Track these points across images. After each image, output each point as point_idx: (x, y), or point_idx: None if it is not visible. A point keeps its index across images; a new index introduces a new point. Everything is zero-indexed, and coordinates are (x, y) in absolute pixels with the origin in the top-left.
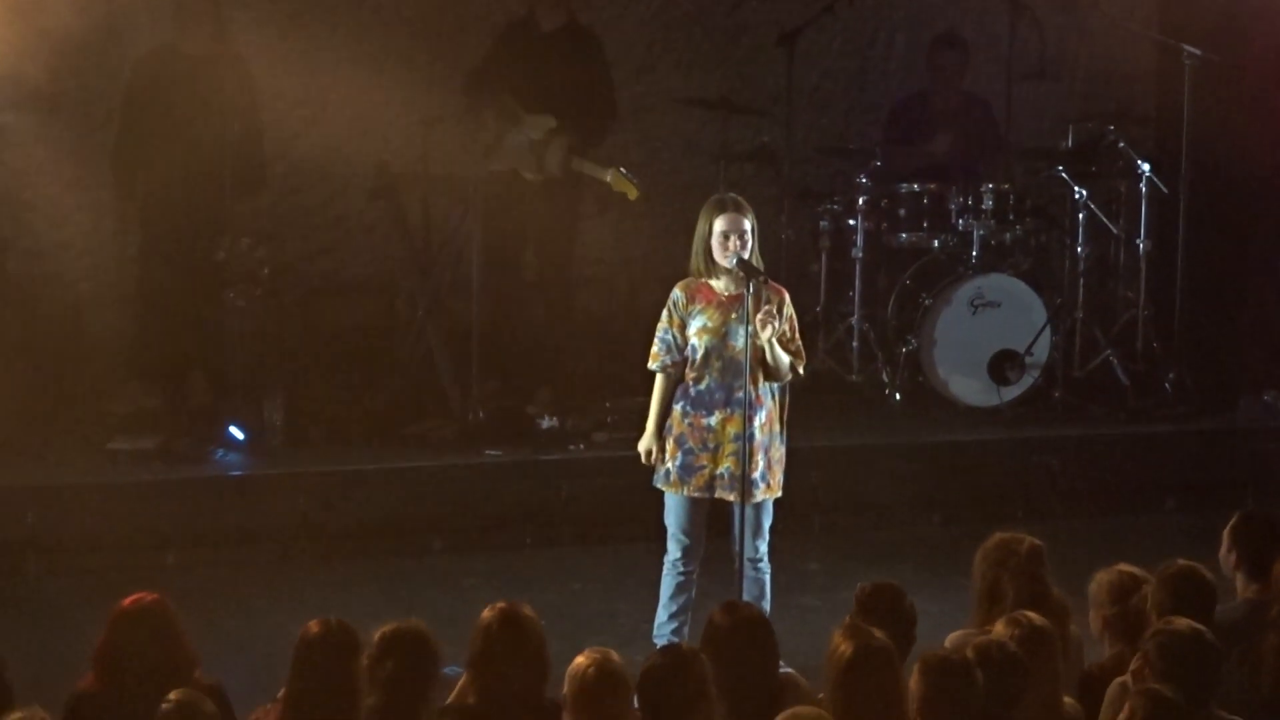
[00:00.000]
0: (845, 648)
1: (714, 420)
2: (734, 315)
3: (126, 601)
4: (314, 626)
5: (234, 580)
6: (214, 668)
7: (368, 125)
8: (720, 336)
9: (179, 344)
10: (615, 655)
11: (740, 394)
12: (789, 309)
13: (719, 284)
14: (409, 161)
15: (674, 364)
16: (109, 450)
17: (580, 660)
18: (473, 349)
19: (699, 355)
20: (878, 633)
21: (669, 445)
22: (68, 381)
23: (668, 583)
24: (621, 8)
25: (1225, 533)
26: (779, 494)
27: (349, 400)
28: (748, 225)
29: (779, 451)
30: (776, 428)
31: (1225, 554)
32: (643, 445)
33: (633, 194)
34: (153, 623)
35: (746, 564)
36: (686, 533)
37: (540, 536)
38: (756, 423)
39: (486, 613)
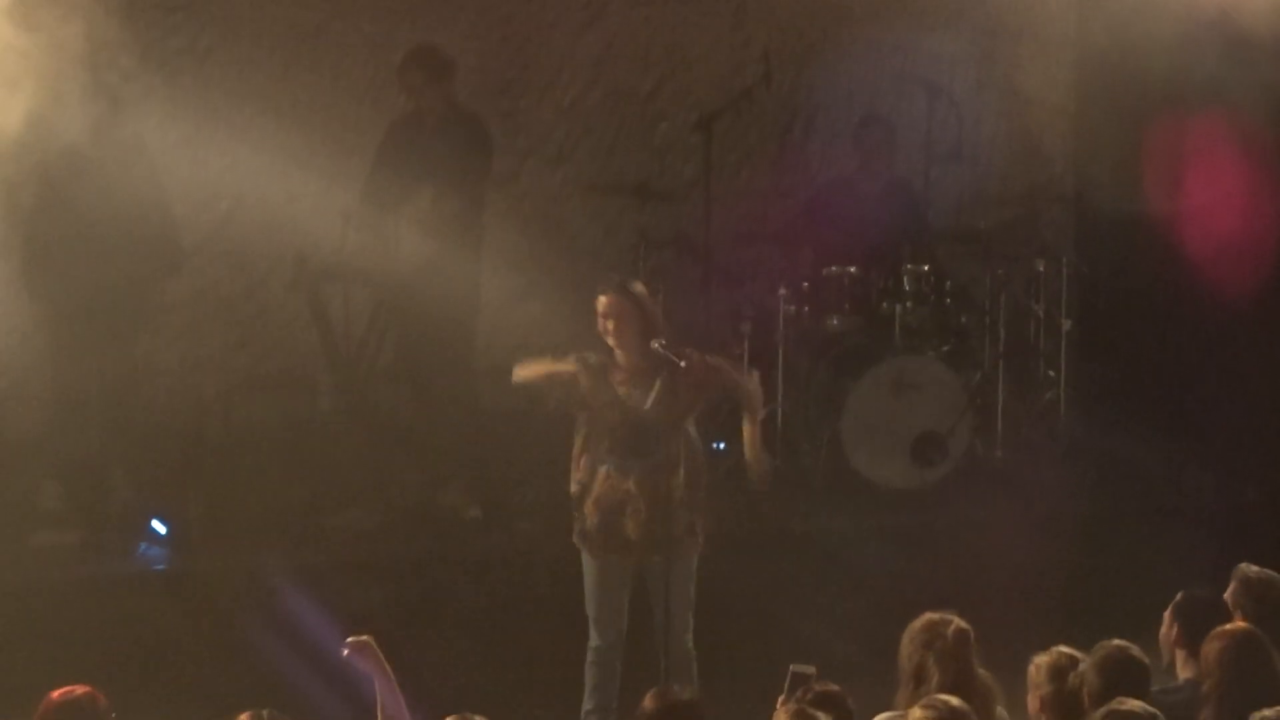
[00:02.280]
0: None
1: (631, 483)
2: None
3: (55, 694)
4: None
5: (161, 674)
6: None
7: (285, 218)
8: (619, 408)
9: (97, 440)
10: None
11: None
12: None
13: (620, 356)
14: (327, 254)
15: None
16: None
17: None
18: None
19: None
20: (823, 717)
21: (587, 506)
22: None
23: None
24: (537, 96)
25: (1167, 612)
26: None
27: (269, 493)
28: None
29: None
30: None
31: (1165, 632)
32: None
33: None
34: (82, 716)
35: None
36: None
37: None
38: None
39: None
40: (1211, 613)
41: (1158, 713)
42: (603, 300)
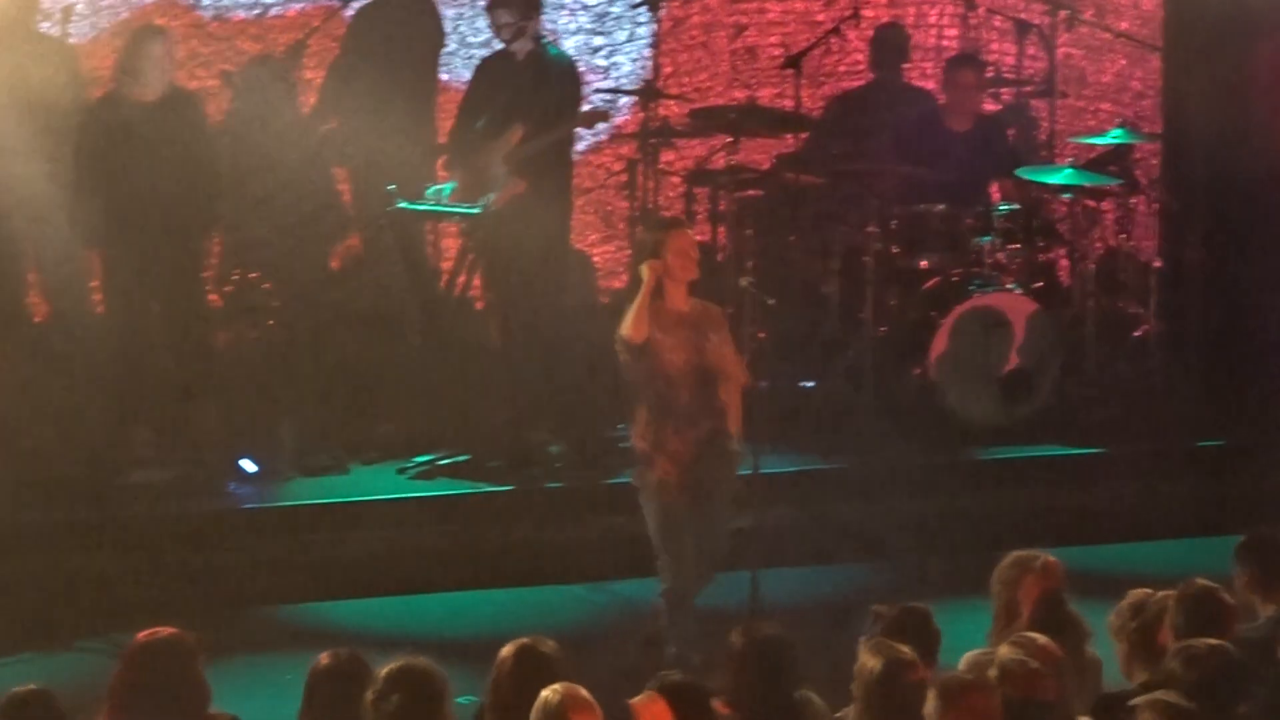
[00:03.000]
0: (873, 663)
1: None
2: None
3: (142, 635)
4: (324, 658)
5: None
6: (228, 704)
7: (376, 153)
8: (689, 351)
9: (179, 380)
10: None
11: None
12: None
13: (671, 300)
14: (416, 193)
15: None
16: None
17: (545, 694)
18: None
19: (674, 372)
20: (905, 648)
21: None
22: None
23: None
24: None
25: (1234, 554)
26: None
27: (362, 428)
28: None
29: None
30: None
31: (1238, 575)
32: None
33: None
34: (168, 657)
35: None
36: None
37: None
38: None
39: (505, 649)
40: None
41: (1228, 645)
42: (689, 235)
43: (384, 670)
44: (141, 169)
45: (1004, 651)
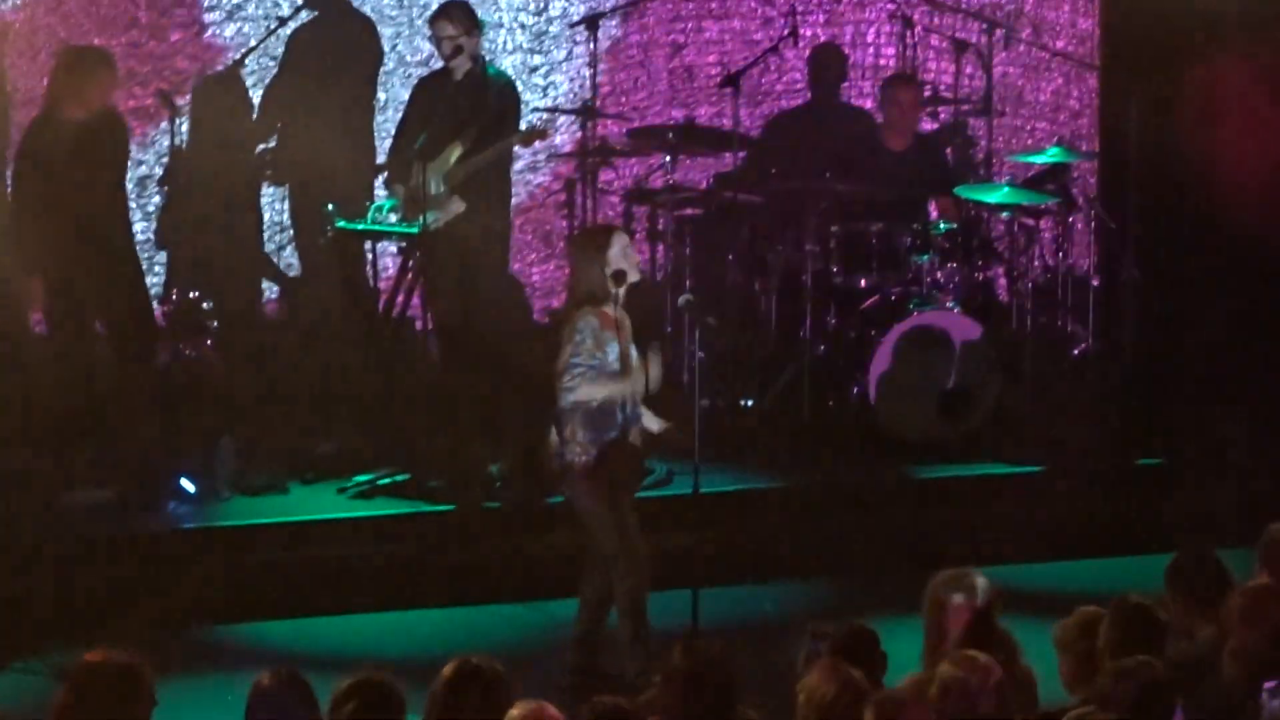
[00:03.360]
0: (827, 687)
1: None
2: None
3: (88, 656)
4: (265, 677)
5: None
6: None
7: (315, 175)
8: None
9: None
10: (551, 709)
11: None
12: None
13: (609, 309)
14: (356, 209)
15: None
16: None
17: (514, 713)
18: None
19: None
20: (857, 673)
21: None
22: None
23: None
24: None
25: (1165, 573)
26: None
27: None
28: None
29: None
30: None
31: (1170, 597)
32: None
33: (547, 134)
34: (115, 679)
35: None
36: None
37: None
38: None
39: (446, 668)
40: (1210, 571)
41: (1156, 663)
42: (627, 238)
43: (342, 685)
44: (79, 189)
45: (944, 669)
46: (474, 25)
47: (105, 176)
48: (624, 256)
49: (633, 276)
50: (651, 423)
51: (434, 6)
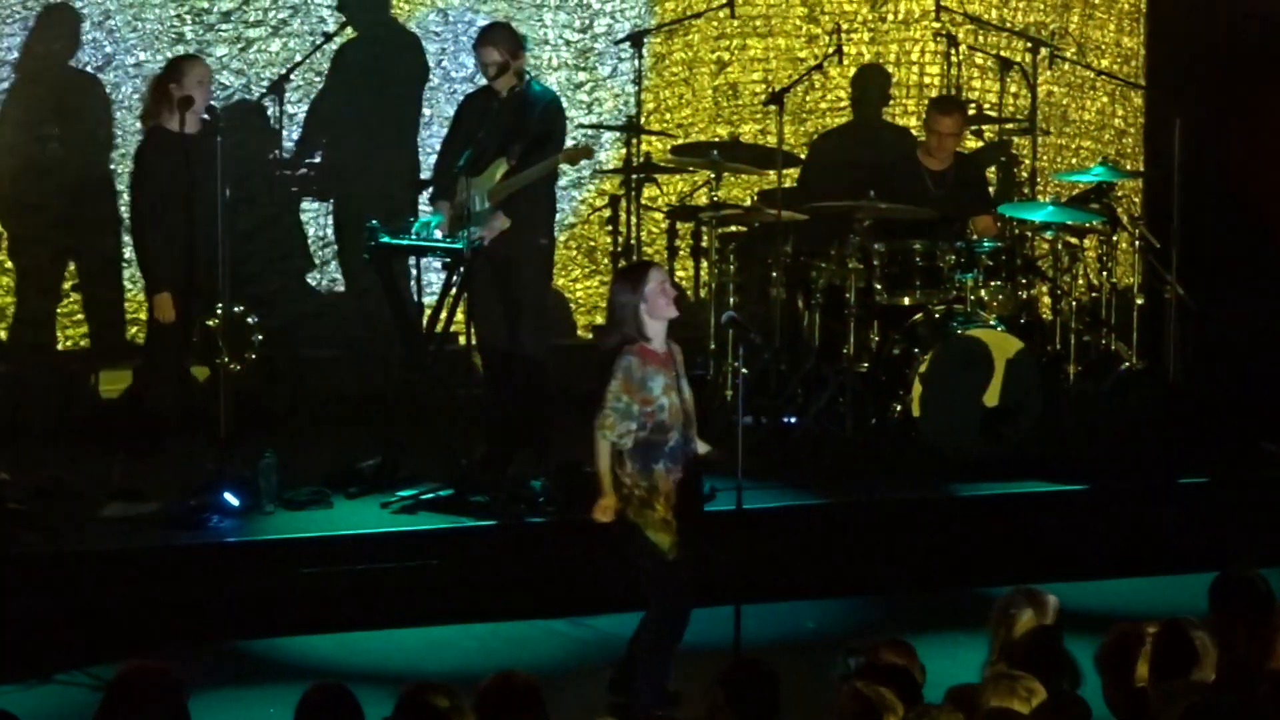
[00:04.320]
0: (848, 706)
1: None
2: (678, 371)
3: (126, 668)
4: (312, 691)
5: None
6: None
7: (359, 190)
8: (676, 392)
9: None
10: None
11: (692, 445)
12: None
13: (654, 342)
14: (399, 228)
15: (627, 433)
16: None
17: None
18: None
19: (665, 415)
20: (889, 695)
21: (659, 503)
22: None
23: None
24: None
25: (1209, 592)
26: None
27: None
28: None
29: None
30: None
31: (1212, 614)
32: (605, 504)
33: (591, 152)
34: (153, 690)
35: None
36: None
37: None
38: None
39: (485, 681)
40: (1250, 594)
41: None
42: (660, 270)
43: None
44: (181, 201)
45: (988, 695)
46: (518, 46)
47: (209, 186)
48: (661, 293)
49: (669, 313)
50: (699, 447)
51: (479, 24)
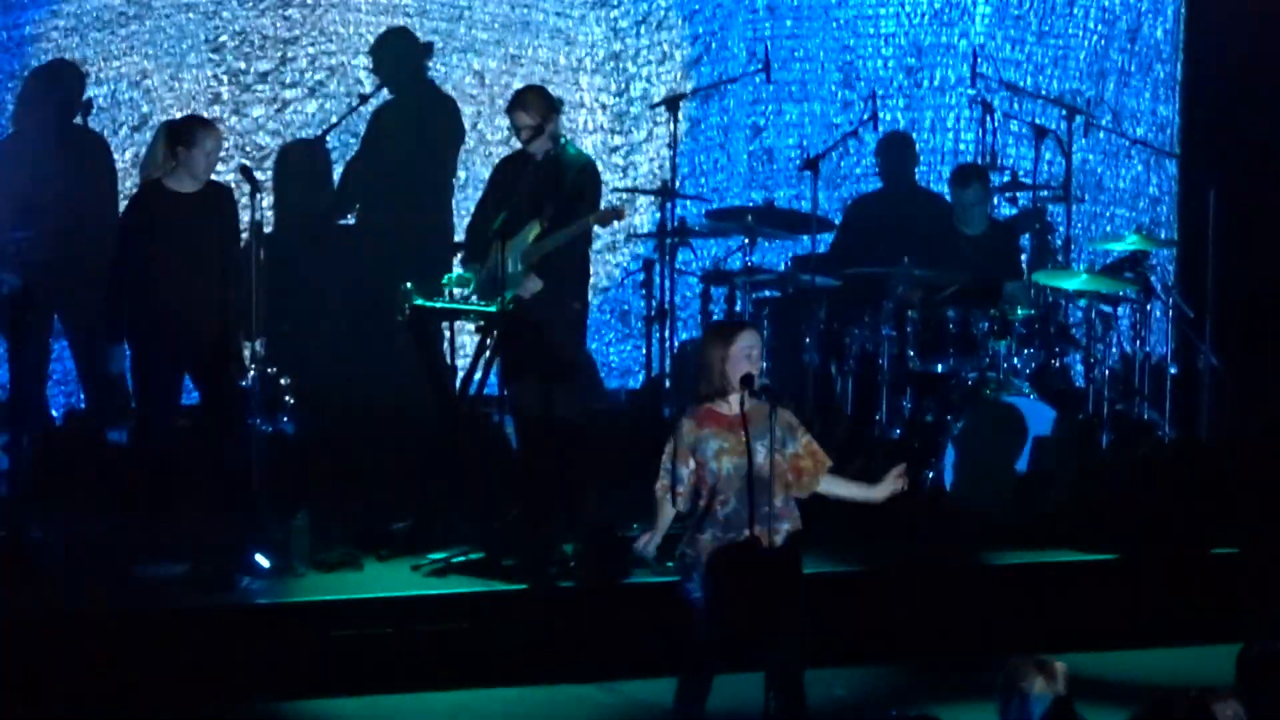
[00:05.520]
0: None
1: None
2: (750, 434)
3: None
4: None
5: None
6: None
7: (394, 251)
8: (741, 455)
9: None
10: None
11: (764, 509)
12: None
13: (725, 406)
14: (433, 289)
15: (678, 494)
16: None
17: None
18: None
19: (716, 480)
20: None
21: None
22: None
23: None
24: (644, 133)
25: (1236, 663)
26: None
27: (376, 525)
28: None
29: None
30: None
31: (1238, 686)
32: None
33: (624, 214)
34: None
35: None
36: None
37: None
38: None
39: None
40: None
41: None
42: (753, 334)
43: None
44: (181, 260)
45: None
46: (551, 109)
47: (230, 247)
48: (745, 357)
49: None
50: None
51: (515, 87)
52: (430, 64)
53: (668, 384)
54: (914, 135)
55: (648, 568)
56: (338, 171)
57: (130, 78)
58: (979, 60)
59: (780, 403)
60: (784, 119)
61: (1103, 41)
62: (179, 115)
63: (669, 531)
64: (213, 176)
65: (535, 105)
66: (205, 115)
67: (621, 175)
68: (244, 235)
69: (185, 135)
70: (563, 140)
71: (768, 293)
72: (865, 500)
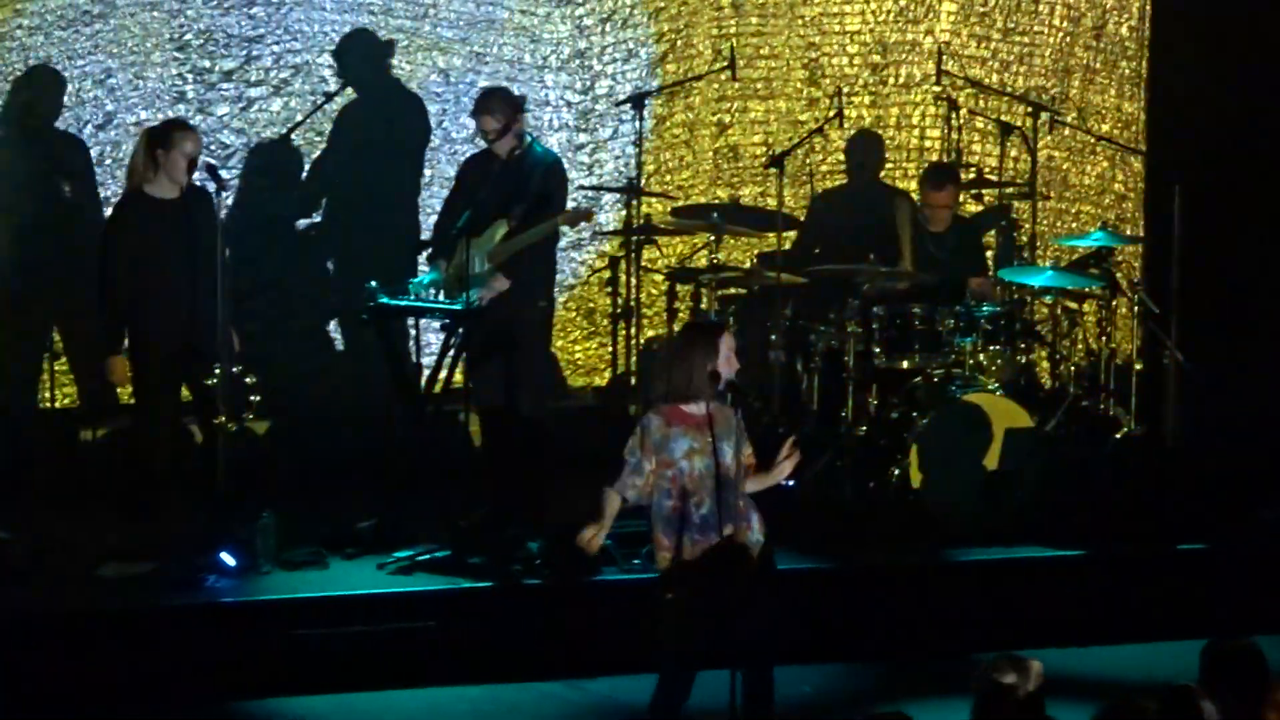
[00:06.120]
0: None
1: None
2: (716, 434)
3: None
4: None
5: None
6: None
7: (359, 251)
8: (709, 456)
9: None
10: None
11: (735, 507)
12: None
13: (693, 405)
14: (398, 288)
15: (633, 487)
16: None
17: None
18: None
19: (686, 480)
20: None
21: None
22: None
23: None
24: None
25: (1200, 659)
26: None
27: (342, 524)
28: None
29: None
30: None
31: (1201, 682)
32: (588, 533)
33: (591, 214)
34: None
35: None
36: None
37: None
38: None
39: None
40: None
41: None
42: (731, 336)
43: None
44: (165, 266)
45: None
46: (515, 110)
47: (210, 251)
48: (728, 362)
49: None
50: (753, 485)
51: (481, 85)
52: (395, 62)
53: (633, 382)
54: (879, 133)
55: (614, 565)
56: (303, 170)
57: (95, 76)
58: (944, 57)
59: (747, 401)
60: (749, 116)
61: (1068, 38)
62: (144, 114)
63: (625, 530)
64: None
65: (500, 108)
66: (171, 114)
67: (587, 173)
68: None
69: (164, 138)
70: (528, 138)
71: (733, 290)
72: (769, 485)
